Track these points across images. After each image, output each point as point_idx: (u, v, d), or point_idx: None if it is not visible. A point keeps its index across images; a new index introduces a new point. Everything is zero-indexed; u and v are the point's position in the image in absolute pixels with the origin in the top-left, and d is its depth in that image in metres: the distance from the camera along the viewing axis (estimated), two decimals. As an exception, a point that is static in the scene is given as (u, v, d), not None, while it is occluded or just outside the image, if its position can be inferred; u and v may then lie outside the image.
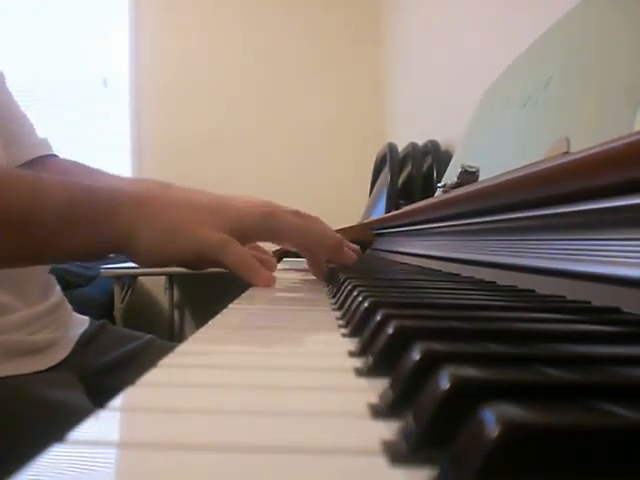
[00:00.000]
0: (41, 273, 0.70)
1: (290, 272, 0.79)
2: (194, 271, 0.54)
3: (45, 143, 0.77)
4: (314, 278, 0.62)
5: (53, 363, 0.63)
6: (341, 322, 0.33)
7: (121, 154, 2.71)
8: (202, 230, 0.49)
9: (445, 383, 0.14)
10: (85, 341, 0.72)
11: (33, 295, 0.66)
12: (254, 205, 0.55)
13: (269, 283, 0.51)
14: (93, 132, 2.71)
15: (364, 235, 1.18)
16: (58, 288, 0.74)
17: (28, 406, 0.55)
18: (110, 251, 0.51)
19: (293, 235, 0.54)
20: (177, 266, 0.52)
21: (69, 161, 0.79)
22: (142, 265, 0.51)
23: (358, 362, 0.23)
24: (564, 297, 0.34)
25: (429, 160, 1.50)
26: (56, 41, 2.71)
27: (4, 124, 0.71)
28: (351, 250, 0.61)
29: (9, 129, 0.72)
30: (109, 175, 0.76)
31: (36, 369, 0.60)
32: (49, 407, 0.55)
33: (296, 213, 0.55)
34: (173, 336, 2.58)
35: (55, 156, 0.78)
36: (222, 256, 0.49)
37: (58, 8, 2.73)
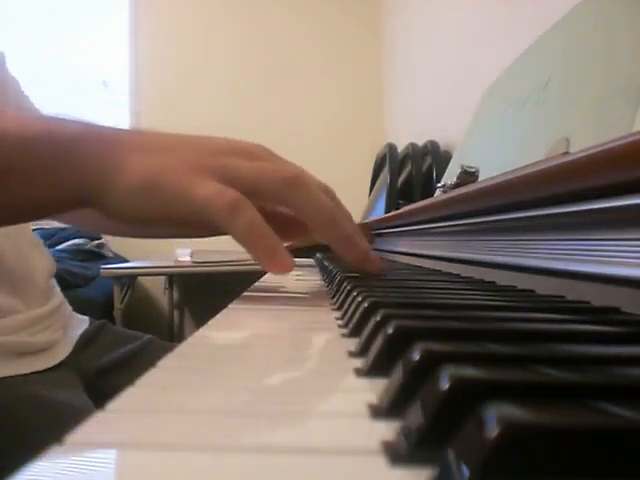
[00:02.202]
0: (43, 277, 0.70)
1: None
2: (197, 237, 0.43)
3: None
4: (313, 278, 0.62)
5: (54, 363, 0.63)
6: (341, 322, 0.33)
7: (121, 154, 2.71)
8: (198, 182, 0.37)
9: (445, 383, 0.14)
10: (85, 341, 0.72)
11: (34, 298, 0.66)
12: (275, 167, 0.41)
13: (285, 270, 0.38)
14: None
15: (364, 235, 1.18)
16: (59, 290, 0.74)
17: (29, 405, 0.55)
18: (77, 203, 0.40)
19: (315, 217, 0.40)
20: (172, 230, 0.41)
21: None
22: (120, 222, 0.41)
23: (358, 362, 0.22)
24: (563, 297, 0.34)
25: (429, 160, 1.50)
26: (56, 41, 2.71)
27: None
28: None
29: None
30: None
31: (36, 369, 0.60)
32: (50, 406, 0.55)
33: (326, 190, 0.43)
34: (173, 336, 2.58)
35: None
36: (228, 223, 0.36)
37: (58, 8, 2.73)
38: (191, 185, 0.37)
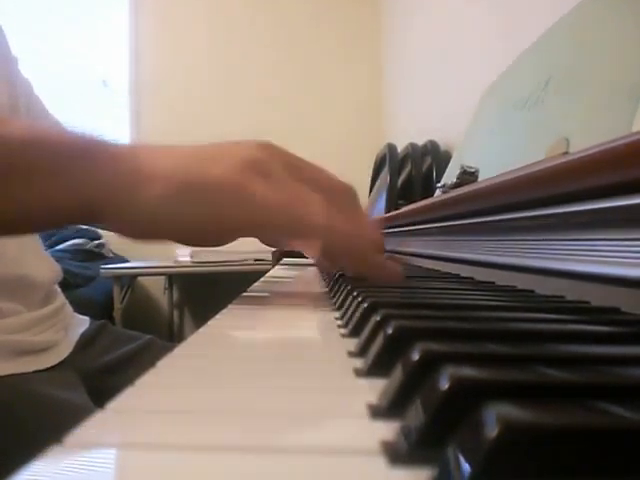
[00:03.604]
0: (44, 283, 0.70)
1: (289, 271, 0.79)
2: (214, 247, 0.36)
3: None
4: (313, 277, 0.62)
5: (55, 362, 0.64)
6: (340, 322, 0.33)
7: (121, 154, 2.71)
8: (252, 184, 0.31)
9: (444, 383, 0.14)
10: (85, 341, 0.72)
11: (36, 301, 0.66)
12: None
13: (398, 277, 0.37)
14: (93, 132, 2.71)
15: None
16: (60, 292, 0.74)
17: (30, 404, 0.55)
18: (84, 216, 0.35)
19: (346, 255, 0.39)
20: (198, 244, 0.36)
21: None
22: (145, 239, 0.35)
23: (357, 362, 0.22)
24: (563, 297, 0.34)
25: (428, 160, 1.50)
26: (56, 41, 2.71)
27: None
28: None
29: None
30: None
31: (38, 368, 0.61)
32: (51, 405, 0.55)
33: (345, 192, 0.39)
34: (172, 336, 2.58)
35: None
36: (323, 233, 0.32)
37: (58, 8, 2.73)
38: (248, 189, 0.32)
